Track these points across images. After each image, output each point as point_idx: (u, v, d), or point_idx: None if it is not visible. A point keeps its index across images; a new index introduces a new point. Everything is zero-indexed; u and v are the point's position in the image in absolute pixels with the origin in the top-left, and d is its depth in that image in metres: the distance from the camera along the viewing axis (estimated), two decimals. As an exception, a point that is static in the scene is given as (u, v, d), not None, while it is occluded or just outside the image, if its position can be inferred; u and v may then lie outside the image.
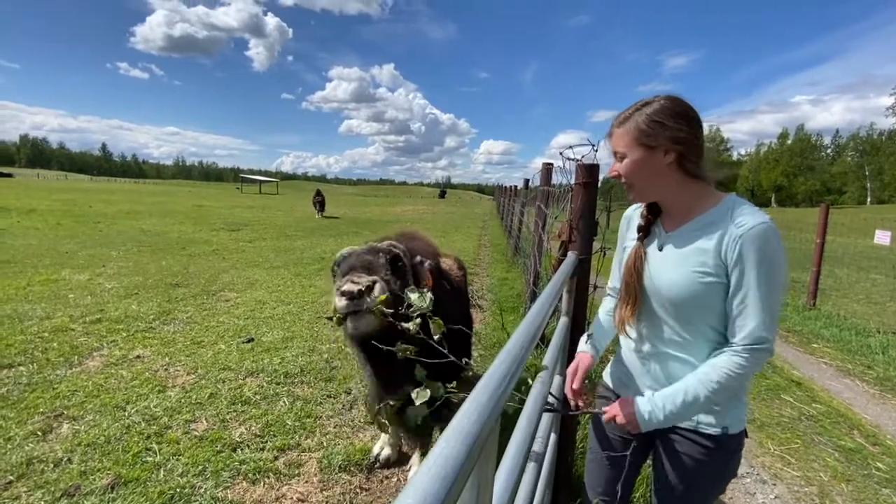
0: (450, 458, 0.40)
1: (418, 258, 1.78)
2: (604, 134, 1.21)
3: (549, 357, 1.40)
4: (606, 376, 1.43)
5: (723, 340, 1.10)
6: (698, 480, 1.19)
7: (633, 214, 1.31)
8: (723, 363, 1.04)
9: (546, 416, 1.28)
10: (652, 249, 1.19)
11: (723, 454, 1.16)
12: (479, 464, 0.51)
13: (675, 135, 1.06)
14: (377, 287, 1.51)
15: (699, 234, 1.08)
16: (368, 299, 1.48)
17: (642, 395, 1.20)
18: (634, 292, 1.21)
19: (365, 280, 1.51)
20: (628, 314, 1.22)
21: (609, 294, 1.45)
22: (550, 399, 1.17)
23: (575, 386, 1.30)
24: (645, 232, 1.22)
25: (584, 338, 1.41)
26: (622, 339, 1.34)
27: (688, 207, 1.13)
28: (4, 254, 7.14)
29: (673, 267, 1.12)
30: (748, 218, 1.01)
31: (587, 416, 1.34)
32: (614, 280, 1.40)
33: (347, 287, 1.49)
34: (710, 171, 1.12)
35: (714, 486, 1.22)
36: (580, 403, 1.31)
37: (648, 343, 1.22)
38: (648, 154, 1.08)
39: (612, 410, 1.16)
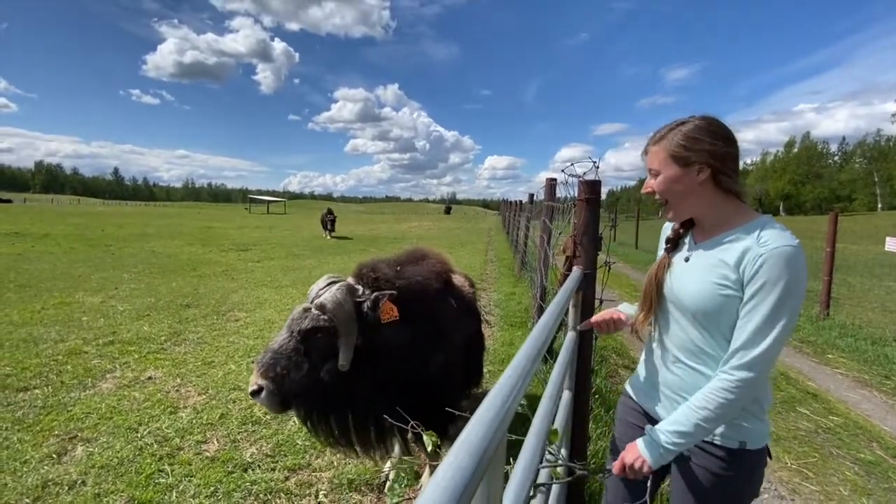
0: (459, 470, 0.42)
1: (375, 295, 1.74)
2: (607, 147, 1.28)
3: (556, 371, 1.41)
4: (628, 387, 1.45)
5: None
6: (716, 497, 1.17)
7: (667, 226, 1.35)
8: (711, 388, 1.06)
9: (557, 428, 1.28)
10: (678, 259, 1.23)
11: (740, 470, 1.14)
12: (488, 477, 0.53)
13: (711, 151, 1.09)
14: (262, 395, 1.63)
15: (725, 248, 1.10)
16: (259, 399, 1.64)
17: (662, 403, 1.24)
18: (650, 300, 1.25)
19: (255, 383, 1.63)
20: (641, 319, 1.27)
21: None
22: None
23: (593, 319, 1.43)
24: (674, 244, 1.26)
25: (626, 304, 1.47)
26: (644, 349, 1.38)
27: (720, 222, 1.15)
28: (20, 278, 7.28)
29: (696, 277, 1.14)
30: (775, 238, 1.02)
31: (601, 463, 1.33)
32: None
33: (251, 384, 1.65)
34: (744, 188, 1.14)
35: (729, 499, 1.19)
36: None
37: (668, 353, 1.24)
38: (683, 171, 1.12)
39: (620, 463, 1.16)
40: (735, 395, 1.03)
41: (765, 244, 1.02)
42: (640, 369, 1.38)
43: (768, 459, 1.18)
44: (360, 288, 1.78)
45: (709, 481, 1.16)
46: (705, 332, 1.13)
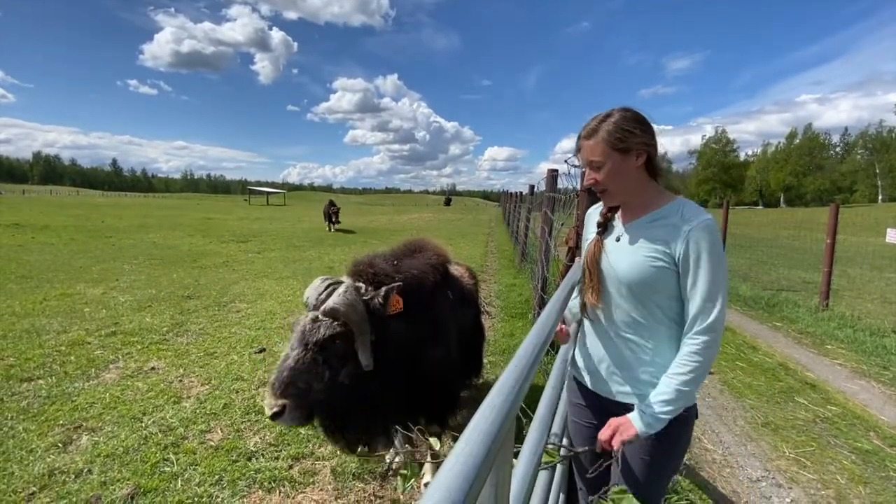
0: (470, 456, 0.42)
1: (385, 290, 1.72)
2: None
3: (558, 362, 1.42)
4: (571, 369, 1.52)
5: (672, 324, 1.22)
6: (657, 453, 1.28)
7: (592, 212, 1.45)
8: (682, 355, 1.16)
9: (559, 417, 1.30)
10: (610, 241, 1.32)
11: (677, 426, 1.24)
12: (497, 462, 0.54)
13: (643, 139, 1.19)
14: (285, 415, 1.56)
15: (653, 227, 1.22)
16: (282, 419, 1.57)
17: (600, 377, 1.33)
18: (595, 278, 1.32)
19: (275, 405, 1.56)
20: (593, 299, 1.32)
21: (577, 290, 1.54)
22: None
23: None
24: (603, 227, 1.35)
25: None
26: (580, 332, 1.45)
27: (648, 203, 1.26)
28: (21, 269, 7.29)
29: (628, 254, 1.24)
30: (695, 214, 1.17)
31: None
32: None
33: (266, 408, 1.56)
34: (662, 174, 1.28)
35: (670, 459, 1.32)
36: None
37: (607, 329, 1.32)
38: (623, 158, 1.20)
39: (607, 432, 1.21)
40: (703, 357, 1.14)
41: (689, 221, 1.16)
42: (580, 350, 1.46)
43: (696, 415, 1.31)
44: (363, 285, 1.75)
45: (651, 442, 1.26)
46: (639, 303, 1.24)
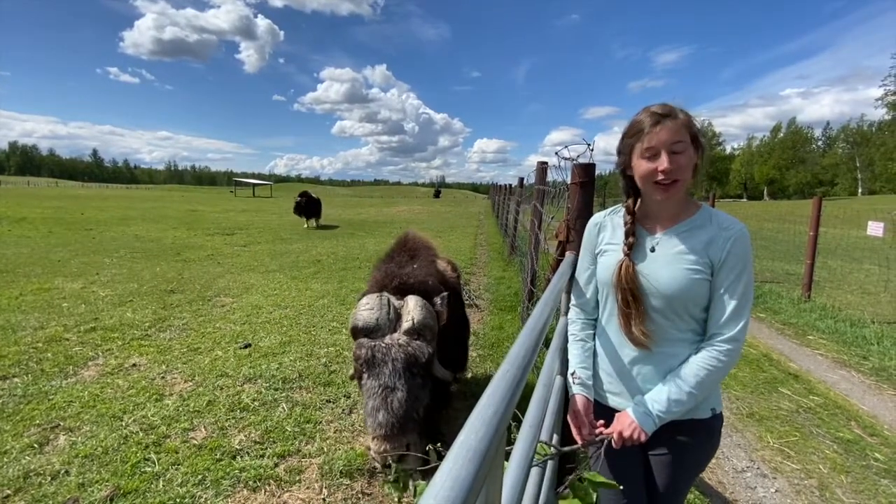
0: (458, 479, 0.39)
1: (438, 301, 1.68)
2: (597, 130, 1.25)
3: (549, 357, 1.39)
4: (588, 393, 1.36)
5: (696, 331, 1.18)
6: (701, 462, 1.27)
7: (604, 221, 1.33)
8: (702, 360, 1.12)
9: (549, 415, 1.28)
10: (640, 252, 1.22)
11: (714, 433, 1.24)
12: (489, 477, 0.50)
13: (702, 141, 1.14)
14: (410, 454, 1.43)
15: (688, 236, 1.17)
16: (408, 460, 1.41)
17: (626, 395, 1.26)
18: (637, 298, 1.19)
19: (398, 447, 1.42)
20: (641, 328, 1.19)
21: (575, 309, 1.42)
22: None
23: (585, 433, 1.25)
24: (631, 243, 1.23)
25: (568, 378, 1.36)
26: (602, 349, 1.34)
27: (680, 211, 1.20)
28: (-4, 263, 7.06)
29: (667, 266, 1.17)
30: (730, 221, 1.15)
31: (586, 451, 1.29)
32: (582, 294, 1.39)
33: (380, 457, 1.43)
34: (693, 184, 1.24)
35: (704, 464, 1.30)
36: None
37: (638, 344, 1.21)
38: (696, 155, 1.14)
39: (619, 436, 1.16)
40: (724, 364, 1.11)
41: (728, 228, 1.13)
42: (603, 371, 1.33)
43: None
44: (423, 299, 1.72)
45: (696, 451, 1.24)
46: (675, 316, 1.18)
